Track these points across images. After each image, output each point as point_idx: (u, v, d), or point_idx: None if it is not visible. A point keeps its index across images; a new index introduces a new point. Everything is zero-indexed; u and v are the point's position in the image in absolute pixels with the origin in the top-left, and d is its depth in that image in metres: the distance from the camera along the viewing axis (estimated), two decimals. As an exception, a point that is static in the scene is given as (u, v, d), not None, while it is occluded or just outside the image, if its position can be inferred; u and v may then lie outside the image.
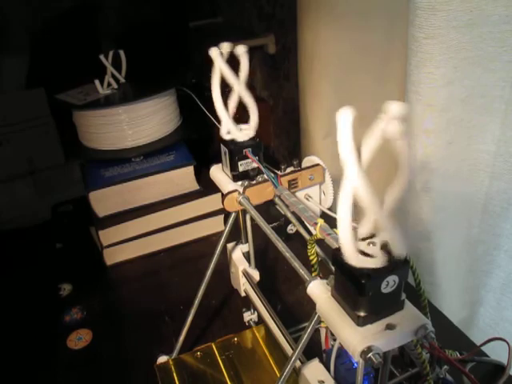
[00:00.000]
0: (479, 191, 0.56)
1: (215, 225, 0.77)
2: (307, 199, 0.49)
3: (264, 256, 0.70)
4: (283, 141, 1.15)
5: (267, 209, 0.55)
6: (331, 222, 0.36)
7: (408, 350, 0.44)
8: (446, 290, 0.63)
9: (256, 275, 0.54)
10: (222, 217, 0.77)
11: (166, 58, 1.13)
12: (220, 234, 0.75)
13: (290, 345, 0.46)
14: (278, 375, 0.46)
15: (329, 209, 0.50)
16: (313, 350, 0.42)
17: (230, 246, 0.56)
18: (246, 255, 0.55)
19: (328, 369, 0.40)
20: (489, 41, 0.46)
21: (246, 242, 0.54)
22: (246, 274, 0.54)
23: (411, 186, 0.58)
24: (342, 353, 0.42)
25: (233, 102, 0.44)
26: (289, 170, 0.49)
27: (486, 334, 0.63)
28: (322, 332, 0.44)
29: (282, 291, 0.65)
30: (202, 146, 0.82)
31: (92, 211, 0.71)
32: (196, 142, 0.81)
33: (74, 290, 0.68)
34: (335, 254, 0.29)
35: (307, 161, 0.50)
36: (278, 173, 0.47)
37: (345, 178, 0.26)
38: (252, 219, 0.48)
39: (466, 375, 0.39)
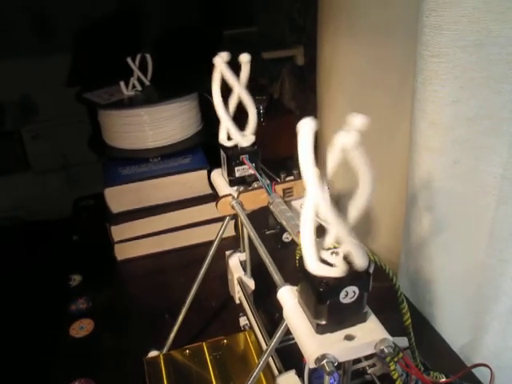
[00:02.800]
0: (486, 214, 0.55)
1: (226, 229, 0.79)
2: (303, 209, 0.49)
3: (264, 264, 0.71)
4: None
5: (267, 217, 0.55)
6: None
7: (386, 367, 0.44)
8: (448, 312, 0.62)
9: (251, 284, 0.55)
10: (232, 222, 0.78)
11: (196, 64, 1.15)
12: (229, 239, 0.76)
13: (272, 356, 0.46)
14: (263, 379, 0.47)
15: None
16: (298, 363, 0.43)
17: (228, 253, 0.57)
18: (244, 264, 0.56)
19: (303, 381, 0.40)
20: (496, 62, 0.46)
21: (245, 250, 0.55)
22: (241, 282, 0.54)
23: (414, 204, 0.58)
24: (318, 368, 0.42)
25: (232, 104, 0.46)
26: (288, 179, 0.50)
27: (490, 363, 0.62)
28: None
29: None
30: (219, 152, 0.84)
31: (106, 207, 0.74)
32: (214, 147, 0.83)
33: (84, 281, 0.71)
34: (300, 262, 0.30)
35: (308, 171, 0.50)
36: (277, 180, 0.48)
37: (307, 194, 0.27)
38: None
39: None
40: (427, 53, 0.48)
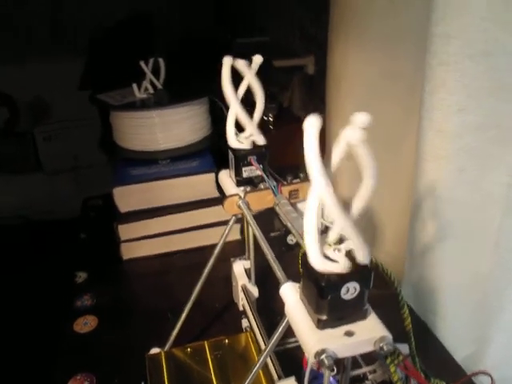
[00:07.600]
0: (492, 223, 0.55)
1: (232, 233, 0.79)
2: (308, 211, 0.50)
3: (270, 272, 0.71)
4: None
5: (272, 220, 0.56)
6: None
7: (386, 370, 0.44)
8: (452, 322, 0.62)
9: (255, 291, 0.55)
10: (238, 225, 0.79)
11: (208, 70, 1.17)
12: (234, 242, 0.77)
13: (271, 359, 0.46)
14: (263, 379, 0.47)
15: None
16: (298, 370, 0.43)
17: (233, 260, 0.57)
18: (249, 271, 0.56)
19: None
20: (504, 71, 0.46)
21: (249, 257, 0.55)
22: (245, 290, 0.55)
23: (418, 212, 0.58)
24: (318, 376, 0.42)
25: (241, 93, 0.46)
26: (295, 181, 0.50)
27: (493, 374, 0.61)
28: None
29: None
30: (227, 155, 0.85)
31: (115, 206, 0.74)
32: (223, 151, 0.84)
33: (89, 279, 0.72)
34: (303, 258, 0.30)
35: (314, 175, 0.51)
36: (283, 182, 0.49)
37: (312, 187, 0.27)
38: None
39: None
40: (435, 61, 0.48)
